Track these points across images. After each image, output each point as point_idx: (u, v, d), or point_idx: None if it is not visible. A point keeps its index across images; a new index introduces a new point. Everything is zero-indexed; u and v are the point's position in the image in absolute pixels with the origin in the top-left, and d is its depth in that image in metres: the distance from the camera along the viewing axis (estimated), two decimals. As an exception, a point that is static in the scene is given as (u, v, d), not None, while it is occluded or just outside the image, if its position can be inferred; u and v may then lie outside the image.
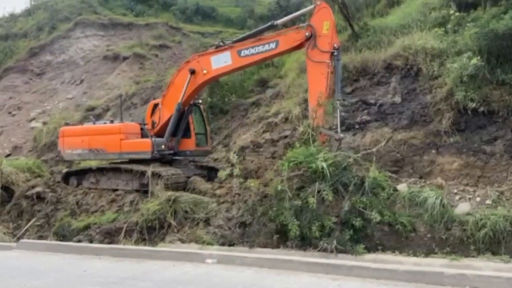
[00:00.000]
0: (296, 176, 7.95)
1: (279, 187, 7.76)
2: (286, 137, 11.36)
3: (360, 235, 7.08)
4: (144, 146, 10.43)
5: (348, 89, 10.71)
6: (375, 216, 7.01)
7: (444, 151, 8.39)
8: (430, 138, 8.66)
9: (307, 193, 7.48)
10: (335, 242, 6.92)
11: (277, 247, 7.54)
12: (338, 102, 8.89)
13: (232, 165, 10.13)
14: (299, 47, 9.68)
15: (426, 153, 8.59)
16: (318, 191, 7.39)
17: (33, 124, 23.71)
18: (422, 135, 8.78)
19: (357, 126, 9.87)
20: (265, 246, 7.65)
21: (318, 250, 6.99)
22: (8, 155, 19.82)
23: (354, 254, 6.81)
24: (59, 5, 31.67)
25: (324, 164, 7.52)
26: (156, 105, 11.37)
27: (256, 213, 8.16)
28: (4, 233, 10.01)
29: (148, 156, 10.31)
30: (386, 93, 10.00)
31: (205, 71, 10.21)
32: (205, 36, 25.97)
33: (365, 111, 10.01)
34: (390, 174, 8.10)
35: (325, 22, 9.28)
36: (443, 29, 9.93)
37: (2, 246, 9.04)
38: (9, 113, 25.94)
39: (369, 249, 6.94)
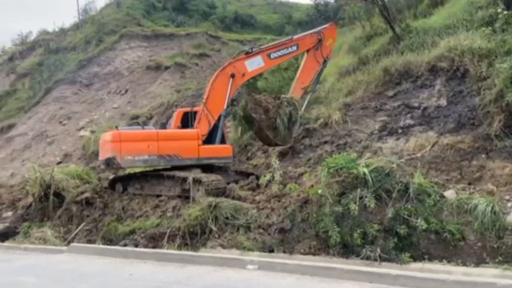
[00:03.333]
0: (337, 182, 7.82)
1: (320, 193, 7.67)
2: (326, 142, 11.23)
3: (405, 243, 6.84)
4: (226, 152, 11.22)
5: (390, 93, 10.46)
6: (421, 223, 6.76)
7: (494, 156, 7.98)
8: (479, 142, 8.27)
9: (348, 200, 7.34)
10: (378, 250, 6.73)
11: (317, 254, 7.43)
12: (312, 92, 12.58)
13: (272, 171, 10.14)
14: (311, 48, 12.55)
15: (475, 158, 8.21)
16: (360, 198, 7.23)
17: (82, 133, 24.91)
18: (470, 139, 8.40)
19: (400, 131, 9.61)
20: (305, 252, 7.56)
21: (361, 258, 6.82)
22: (59, 163, 20.90)
23: (399, 263, 6.58)
24: (105, 19, 33.20)
25: (366, 170, 7.36)
26: (186, 114, 11.77)
27: (296, 219, 8.09)
28: (56, 237, 10.49)
29: (230, 161, 11.26)
30: (431, 96, 9.67)
31: (243, 73, 11.63)
32: (244, 43, 26.30)
33: (409, 115, 9.73)
34: (436, 180, 7.80)
35: (330, 38, 12.74)
36: (491, 28, 9.51)
37: (54, 249, 9.49)
38: (60, 122, 27.40)
39: (414, 258, 6.69)
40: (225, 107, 11.33)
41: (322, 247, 7.40)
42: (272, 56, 11.97)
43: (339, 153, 9.44)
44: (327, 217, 7.34)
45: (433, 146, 8.64)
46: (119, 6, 34.72)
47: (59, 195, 11.91)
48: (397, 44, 11.80)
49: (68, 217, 11.22)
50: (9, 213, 12.83)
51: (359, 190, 7.31)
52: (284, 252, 7.70)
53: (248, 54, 11.77)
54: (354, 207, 7.11)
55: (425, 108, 9.54)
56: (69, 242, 10.02)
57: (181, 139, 11.03)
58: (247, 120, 12.06)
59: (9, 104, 32.62)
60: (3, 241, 10.74)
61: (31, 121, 29.00)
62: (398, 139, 9.47)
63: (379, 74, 11.24)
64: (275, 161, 10.32)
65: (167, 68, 25.10)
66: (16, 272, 7.39)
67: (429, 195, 7.19)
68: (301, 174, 10.18)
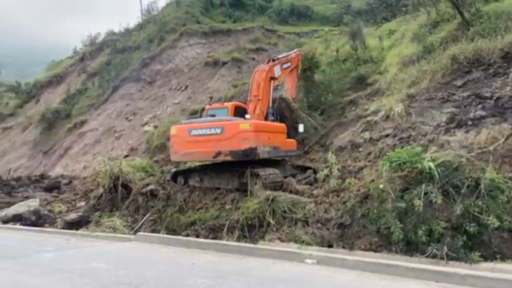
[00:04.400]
0: (399, 177, 7.52)
1: (381, 188, 7.41)
2: (387, 136, 10.83)
3: (474, 242, 6.44)
4: (292, 145, 11.80)
5: (459, 82, 9.84)
6: (492, 221, 6.32)
7: None
8: (558, 134, 7.53)
9: (412, 195, 7.03)
10: (445, 248, 6.39)
11: (378, 250, 7.21)
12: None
13: (330, 165, 9.98)
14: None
15: (554, 152, 7.48)
16: (425, 193, 6.90)
17: (146, 128, 26.14)
18: (549, 131, 7.67)
19: (470, 123, 9.00)
20: (365, 248, 7.37)
21: (426, 256, 6.52)
22: (126, 156, 22.08)
23: (468, 262, 6.21)
24: (166, 18, 34.42)
25: (432, 164, 7.00)
26: (237, 107, 12.22)
27: (355, 215, 7.91)
28: (124, 226, 11.11)
29: (296, 154, 12.05)
30: (504, 85, 8.96)
31: (276, 75, 12.64)
32: (300, 36, 26.00)
33: (480, 106, 9.09)
34: (510, 175, 7.22)
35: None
36: None
37: (122, 238, 10.07)
38: (126, 118, 28.94)
39: (485, 257, 6.28)
40: (270, 104, 12.08)
41: (384, 243, 7.17)
42: (284, 67, 13.29)
43: (402, 147, 9.07)
44: (389, 213, 7.10)
45: (507, 139, 8.00)
46: (179, 4, 35.84)
47: (126, 187, 12.55)
48: (466, 30, 11.04)
49: (134, 207, 11.79)
50: (83, 203, 13.79)
51: (423, 185, 6.98)
52: (343, 247, 7.57)
53: (274, 62, 12.96)
54: (418, 203, 6.81)
55: (498, 98, 8.85)
56: (136, 231, 10.55)
57: (279, 132, 11.38)
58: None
59: (81, 101, 35.01)
60: (77, 229, 11.55)
61: (101, 117, 30.94)
62: (467, 131, 8.88)
63: (446, 62, 10.60)
64: (331, 156, 10.14)
65: (224, 63, 25.52)
66: (89, 258, 7.95)
67: (502, 191, 6.71)
68: (361, 169, 9.91)
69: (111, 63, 36.13)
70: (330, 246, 7.81)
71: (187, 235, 9.44)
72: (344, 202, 8.40)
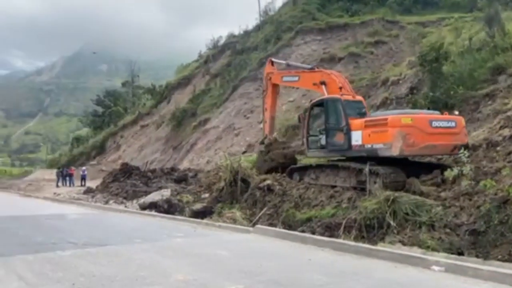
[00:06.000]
0: (550, 180, 6.47)
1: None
2: (532, 133, 9.41)
3: None
4: None
5: None
6: None
7: None
8: None
9: None
10: None
11: (520, 262, 6.31)
12: None
13: (461, 164, 9.05)
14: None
15: None
16: None
17: (261, 125, 27.03)
18: None
19: None
20: (503, 259, 6.53)
21: None
22: (244, 152, 23.19)
23: None
24: (282, 17, 35.12)
25: None
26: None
27: (492, 221, 7.06)
28: (243, 218, 11.70)
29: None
30: None
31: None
32: (426, 25, 24.09)
33: None
34: None
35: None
36: None
37: (242, 229, 10.60)
38: (244, 116, 30.37)
39: None
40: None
41: (527, 255, 6.25)
42: None
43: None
44: (535, 222, 6.15)
45: None
46: (295, 3, 36.24)
47: (245, 181, 13.16)
48: None
49: (252, 201, 12.31)
50: (206, 195, 14.89)
51: None
52: (476, 256, 6.82)
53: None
54: None
55: None
56: (254, 224, 11.01)
57: None
58: None
59: (205, 101, 37.84)
60: (202, 218, 12.50)
61: (222, 115, 33.02)
62: None
63: None
64: (463, 153, 9.18)
65: (340, 59, 25.05)
66: (213, 246, 8.56)
67: None
68: (499, 170, 8.80)
69: (231, 64, 38.25)
70: (460, 253, 7.10)
71: (303, 231, 9.48)
72: (478, 207, 7.56)
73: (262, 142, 16.00)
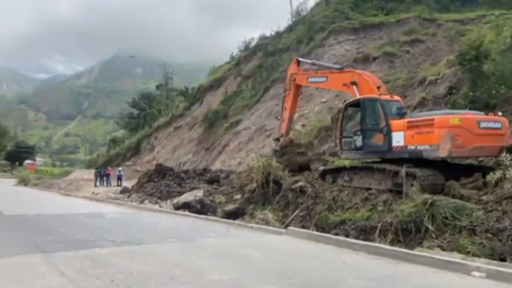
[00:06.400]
0: None
1: None
2: None
3: None
4: None
5: None
6: None
7: None
8: None
9: None
10: None
11: None
12: None
13: (504, 167, 8.65)
14: None
15: None
16: None
17: (293, 126, 26.90)
18: None
19: None
20: (552, 268, 6.17)
21: None
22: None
23: None
24: (315, 17, 34.86)
25: None
26: None
27: (539, 227, 6.69)
28: (275, 220, 11.67)
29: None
30: None
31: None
32: (465, 23, 23.25)
33: None
34: None
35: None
36: None
37: (274, 231, 10.57)
38: (276, 117, 30.27)
39: None
40: None
41: None
42: None
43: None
44: None
45: None
46: (328, 3, 35.88)
47: (277, 183, 13.10)
48: None
49: (285, 202, 12.25)
50: (238, 196, 14.96)
51: None
52: (521, 262, 6.48)
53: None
54: None
55: None
56: (286, 226, 10.95)
57: None
58: None
59: (236, 103, 38.11)
60: (234, 219, 12.56)
61: (253, 117, 33.13)
62: None
63: None
64: (506, 156, 8.77)
65: (375, 59, 24.57)
66: (246, 246, 8.59)
67: None
68: (545, 173, 8.33)
69: (263, 66, 38.33)
70: (502, 259, 6.79)
71: (336, 234, 9.35)
72: (523, 212, 7.18)
73: (277, 139, 16.19)
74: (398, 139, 10.31)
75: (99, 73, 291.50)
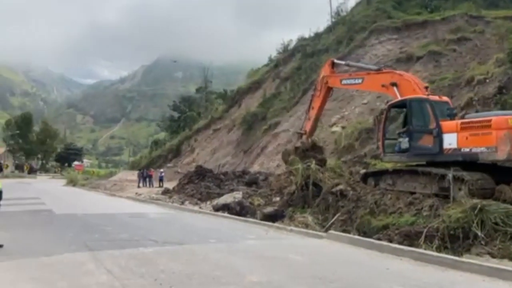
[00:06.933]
0: None
1: None
2: None
3: None
4: None
5: None
6: None
7: None
8: None
9: None
10: None
11: None
12: None
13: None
14: None
15: None
16: None
17: (333, 128, 26.57)
18: None
19: None
20: None
21: None
22: (315, 156, 22.82)
23: None
24: (355, 17, 34.26)
25: None
26: None
27: None
28: (315, 223, 11.52)
29: None
30: None
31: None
32: (516, 19, 22.04)
33: None
34: None
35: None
36: None
37: (314, 234, 10.44)
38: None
39: None
40: None
41: None
42: None
43: None
44: None
45: None
46: (369, 2, 35.14)
47: (316, 185, 12.96)
48: None
49: (325, 206, 12.05)
50: (277, 198, 14.91)
51: None
52: None
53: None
54: None
55: None
56: (326, 229, 10.79)
57: None
58: None
59: (275, 105, 38.09)
60: (273, 221, 12.53)
61: (292, 119, 32.97)
62: None
63: None
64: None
65: (419, 58, 23.76)
66: (285, 249, 8.54)
67: None
68: None
69: (301, 67, 38.10)
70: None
71: (379, 239, 9.10)
72: None
73: (299, 133, 16.30)
74: (450, 141, 9.90)
75: (142, 77, 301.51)
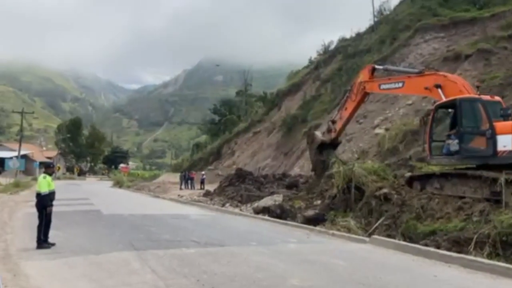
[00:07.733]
0: None
1: None
2: None
3: None
4: None
5: None
6: None
7: None
8: None
9: None
10: None
11: None
12: None
13: None
14: None
15: None
16: None
17: (377, 130, 25.91)
18: None
19: None
20: None
21: None
22: (357, 159, 22.40)
23: None
24: (399, 16, 33.30)
25: None
26: None
27: None
28: (358, 228, 11.26)
29: None
30: None
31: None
32: None
33: None
34: None
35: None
36: None
37: (356, 239, 10.21)
38: (357, 121, 29.39)
39: None
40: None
41: None
42: None
43: None
44: None
45: None
46: (414, 0, 34.04)
47: (359, 189, 12.65)
48: None
49: (368, 210, 11.77)
50: (318, 201, 14.73)
51: None
52: None
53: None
54: None
55: None
56: (370, 234, 10.51)
57: None
58: None
59: (315, 107, 37.72)
60: (314, 225, 12.37)
61: (333, 121, 32.45)
62: None
63: None
64: None
65: (467, 56, 22.69)
66: (328, 254, 8.40)
67: None
68: None
69: (342, 69, 37.50)
70: None
71: (426, 245, 8.76)
72: None
73: (329, 130, 16.53)
74: (505, 142, 9.39)
75: (183, 81, 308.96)
